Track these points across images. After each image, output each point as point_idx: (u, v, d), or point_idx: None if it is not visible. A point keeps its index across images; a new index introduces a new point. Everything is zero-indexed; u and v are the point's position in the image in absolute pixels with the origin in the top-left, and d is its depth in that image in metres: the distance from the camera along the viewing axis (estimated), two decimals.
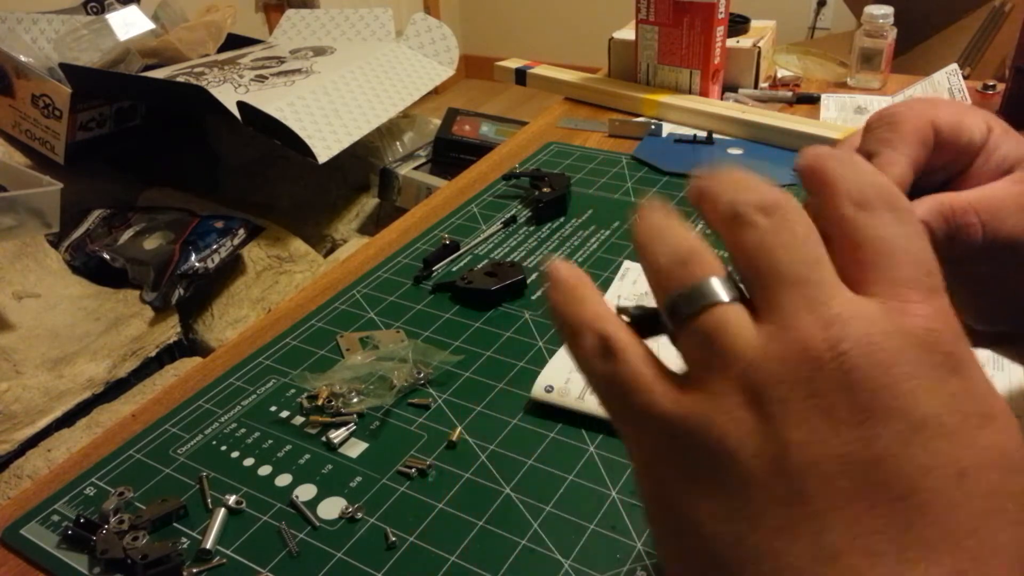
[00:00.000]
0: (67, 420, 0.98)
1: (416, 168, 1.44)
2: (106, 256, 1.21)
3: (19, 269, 1.18)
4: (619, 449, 0.48)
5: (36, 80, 1.30)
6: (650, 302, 0.24)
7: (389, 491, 0.46)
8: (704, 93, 0.97)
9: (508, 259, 0.69)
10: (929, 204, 0.32)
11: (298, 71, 1.38)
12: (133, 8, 1.55)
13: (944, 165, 0.34)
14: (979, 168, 0.34)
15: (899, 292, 0.21)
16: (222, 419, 0.53)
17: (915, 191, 0.32)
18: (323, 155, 1.20)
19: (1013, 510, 0.19)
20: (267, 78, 1.35)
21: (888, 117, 0.32)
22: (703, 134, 0.90)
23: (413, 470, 0.47)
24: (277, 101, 1.24)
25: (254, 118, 1.22)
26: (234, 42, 1.60)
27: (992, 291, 0.34)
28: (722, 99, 0.98)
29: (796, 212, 0.23)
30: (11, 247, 1.18)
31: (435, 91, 2.11)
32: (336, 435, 0.50)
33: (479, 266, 0.66)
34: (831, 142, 0.82)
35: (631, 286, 0.63)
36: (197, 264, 1.16)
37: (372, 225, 1.51)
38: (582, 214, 0.76)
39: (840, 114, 0.94)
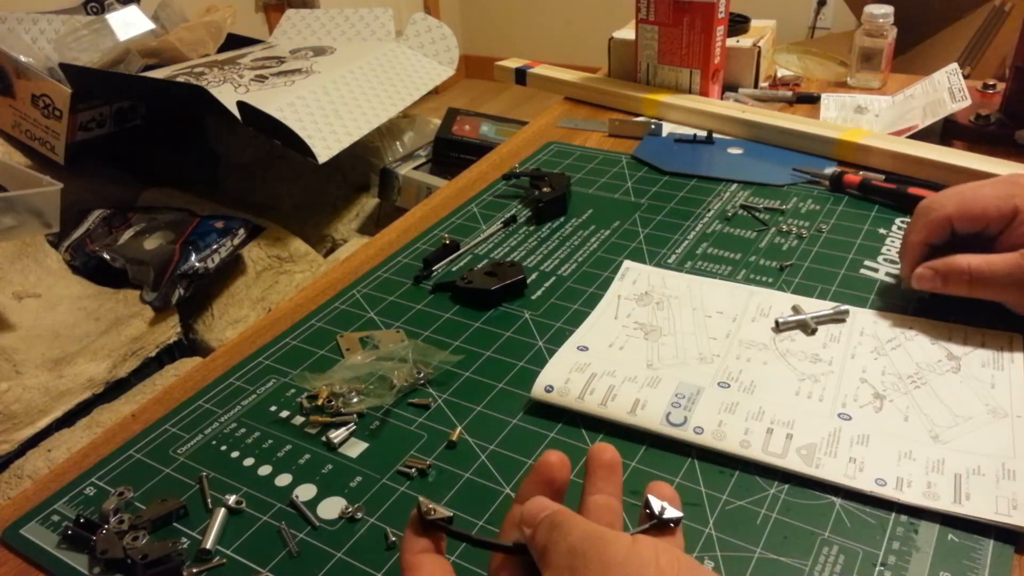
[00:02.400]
0: (67, 420, 0.97)
1: (416, 168, 1.45)
2: (106, 256, 1.21)
3: (19, 269, 1.18)
4: (619, 449, 0.48)
5: (36, 80, 1.30)
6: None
7: (389, 491, 0.46)
8: (704, 93, 0.97)
9: (508, 259, 0.69)
10: (929, 265, 0.56)
11: (298, 71, 1.38)
12: (133, 8, 1.55)
13: (973, 235, 0.55)
14: (1008, 237, 0.54)
15: None
16: (222, 419, 0.53)
17: (960, 246, 0.55)
18: (323, 155, 1.20)
19: None
20: (267, 78, 1.35)
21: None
22: (703, 134, 0.90)
23: (413, 470, 0.47)
24: (277, 101, 1.24)
25: (254, 118, 1.22)
26: (234, 42, 1.60)
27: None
28: (722, 99, 0.98)
29: None
30: (11, 247, 1.18)
31: (435, 91, 2.12)
32: (336, 435, 0.50)
33: (479, 266, 0.66)
34: (831, 142, 0.82)
35: (631, 286, 0.63)
36: (197, 264, 1.16)
37: (372, 225, 1.50)
38: (582, 214, 0.76)
39: (840, 114, 0.94)
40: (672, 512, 0.34)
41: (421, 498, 0.35)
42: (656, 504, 0.34)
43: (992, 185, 0.56)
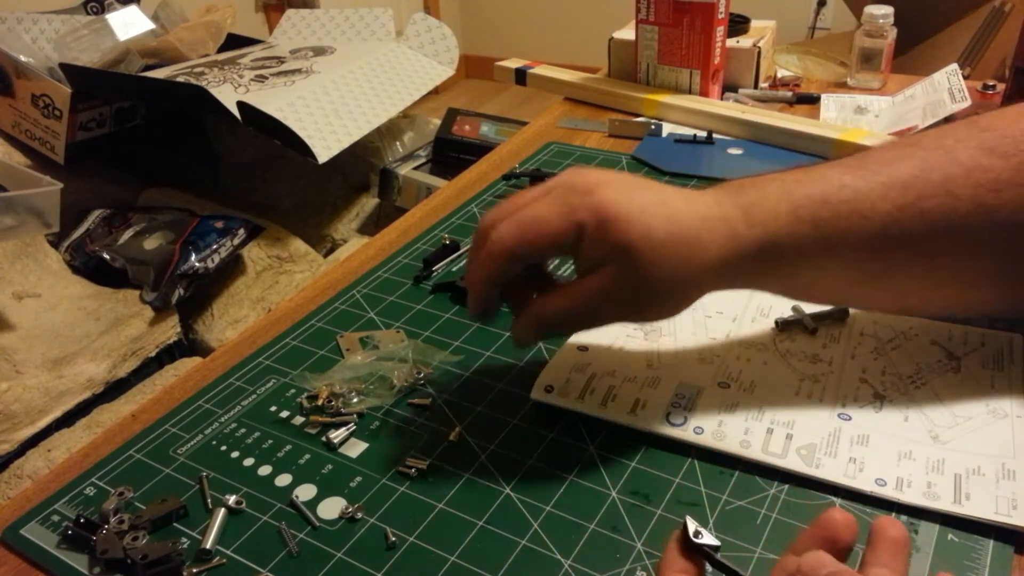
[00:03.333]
0: (67, 420, 0.98)
1: (416, 168, 1.45)
2: (106, 256, 1.21)
3: (19, 269, 1.18)
4: (619, 449, 0.48)
5: (36, 80, 1.30)
6: None
7: (389, 491, 0.46)
8: (704, 93, 0.97)
9: None
10: (520, 324, 0.48)
11: (298, 71, 1.38)
12: (133, 8, 1.55)
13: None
14: (582, 256, 0.45)
15: None
16: (222, 419, 0.53)
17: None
18: (323, 155, 1.20)
19: None
20: (267, 78, 1.35)
21: None
22: (703, 134, 0.90)
23: (413, 470, 0.47)
24: (277, 101, 1.24)
25: (254, 118, 1.22)
26: (234, 42, 1.60)
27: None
28: (722, 99, 0.98)
29: None
30: (11, 247, 1.18)
31: (435, 91, 2.12)
32: (336, 435, 0.50)
33: None
34: (831, 142, 0.82)
35: None
36: (197, 264, 1.16)
37: (372, 225, 1.51)
38: None
39: (840, 114, 0.94)
40: None
41: (690, 517, 0.34)
42: None
43: (547, 200, 0.47)
